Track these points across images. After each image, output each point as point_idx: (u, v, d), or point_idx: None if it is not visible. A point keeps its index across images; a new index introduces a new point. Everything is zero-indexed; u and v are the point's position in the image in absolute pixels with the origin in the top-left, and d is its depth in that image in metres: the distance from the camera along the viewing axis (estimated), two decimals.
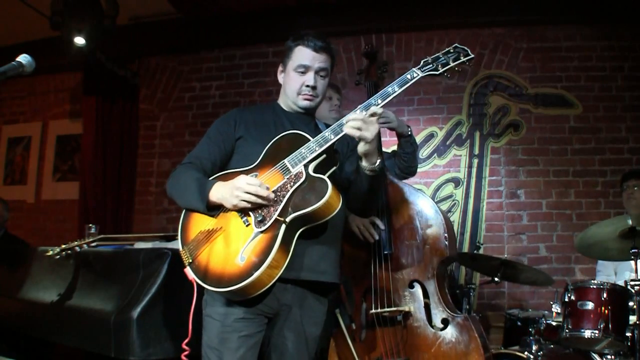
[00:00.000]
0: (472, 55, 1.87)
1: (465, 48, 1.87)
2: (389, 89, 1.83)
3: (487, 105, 4.30)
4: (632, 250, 2.52)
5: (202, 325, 1.89)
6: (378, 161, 1.85)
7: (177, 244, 1.92)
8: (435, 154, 4.34)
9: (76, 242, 2.66)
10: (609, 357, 2.67)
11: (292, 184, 1.78)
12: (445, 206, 4.24)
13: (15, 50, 1.85)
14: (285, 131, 1.95)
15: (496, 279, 2.94)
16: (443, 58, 1.85)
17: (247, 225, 1.78)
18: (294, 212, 1.74)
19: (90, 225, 2.99)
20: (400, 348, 2.50)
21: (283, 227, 1.73)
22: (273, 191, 1.78)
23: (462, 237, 4.21)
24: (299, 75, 1.97)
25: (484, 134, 4.28)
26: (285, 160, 1.83)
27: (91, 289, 2.63)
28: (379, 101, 1.81)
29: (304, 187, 1.76)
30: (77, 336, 2.53)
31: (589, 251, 2.88)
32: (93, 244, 2.74)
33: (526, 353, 2.71)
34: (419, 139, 4.36)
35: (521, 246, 4.11)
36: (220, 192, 1.80)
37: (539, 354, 2.69)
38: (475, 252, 3.54)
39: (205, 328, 1.89)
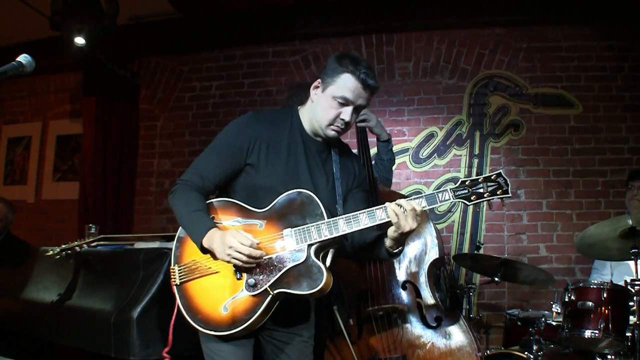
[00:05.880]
0: (510, 195, 1.74)
1: (508, 182, 1.74)
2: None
3: (487, 105, 4.30)
4: (632, 250, 2.53)
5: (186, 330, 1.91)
6: (401, 247, 1.87)
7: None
8: (436, 154, 4.34)
9: (76, 242, 2.67)
10: (609, 357, 2.68)
11: (291, 260, 1.77)
12: (445, 206, 4.24)
13: (15, 50, 1.85)
14: (297, 160, 1.90)
15: (496, 279, 2.95)
16: (481, 186, 1.74)
17: (238, 279, 1.80)
18: (283, 289, 1.76)
19: (90, 225, 3.00)
20: (396, 346, 2.59)
21: (269, 297, 1.77)
22: (272, 258, 1.78)
23: (462, 237, 4.21)
24: (338, 105, 1.84)
25: (484, 134, 4.28)
26: (293, 232, 1.78)
27: (91, 289, 2.63)
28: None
29: (301, 269, 1.77)
30: (77, 336, 2.54)
31: (589, 251, 2.88)
32: (93, 244, 2.74)
33: (526, 353, 2.72)
34: (419, 139, 4.37)
35: (521, 246, 4.11)
36: (212, 241, 1.76)
37: (539, 354, 2.70)
38: (475, 252, 3.54)
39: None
